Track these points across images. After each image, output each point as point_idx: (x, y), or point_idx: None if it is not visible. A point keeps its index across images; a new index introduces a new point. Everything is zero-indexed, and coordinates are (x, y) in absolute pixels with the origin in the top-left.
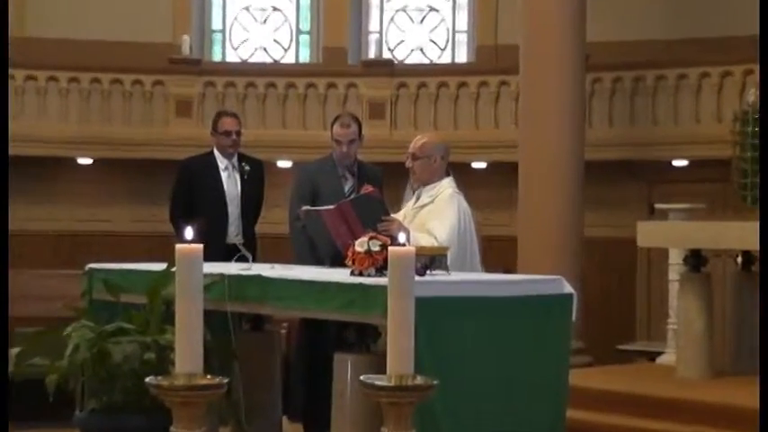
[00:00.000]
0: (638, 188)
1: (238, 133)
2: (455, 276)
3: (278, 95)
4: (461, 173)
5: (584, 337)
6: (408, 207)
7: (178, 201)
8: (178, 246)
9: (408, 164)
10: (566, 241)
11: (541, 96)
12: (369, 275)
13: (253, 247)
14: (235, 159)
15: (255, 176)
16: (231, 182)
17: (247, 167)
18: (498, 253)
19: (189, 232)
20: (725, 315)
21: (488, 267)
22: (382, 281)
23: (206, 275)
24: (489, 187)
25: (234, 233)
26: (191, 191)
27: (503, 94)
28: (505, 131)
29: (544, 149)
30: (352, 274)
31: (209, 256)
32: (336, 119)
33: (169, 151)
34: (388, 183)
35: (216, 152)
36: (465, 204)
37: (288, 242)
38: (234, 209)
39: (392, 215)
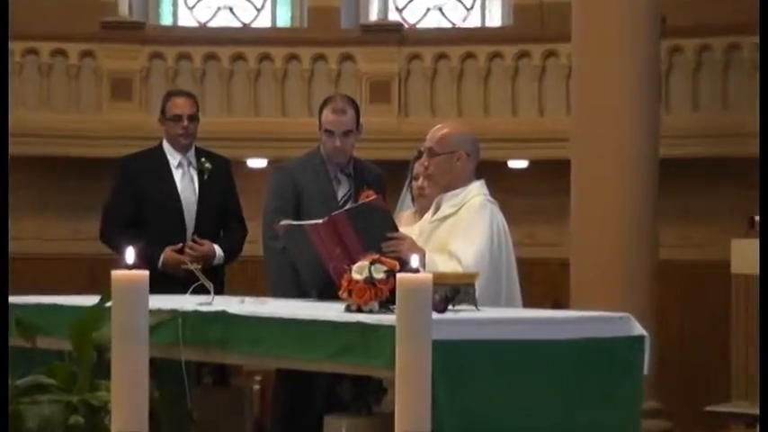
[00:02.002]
0: (732, 194)
1: (192, 118)
2: (486, 313)
3: (248, 71)
4: (495, 175)
5: (662, 394)
6: (425, 220)
7: (113, 213)
8: (115, 273)
9: (423, 162)
10: (635, 266)
11: (601, 72)
12: (370, 311)
13: (218, 275)
14: (191, 154)
15: (220, 175)
16: (187, 183)
17: (208, 165)
18: (545, 281)
19: (130, 253)
20: None
21: (531, 300)
22: (388, 319)
23: (153, 312)
24: (532, 194)
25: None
26: (135, 200)
27: (550, 68)
28: (553, 120)
29: (605, 144)
30: (348, 309)
31: (159, 285)
32: (326, 102)
33: (102, 146)
34: (395, 188)
35: (165, 145)
36: (500, 217)
37: (262, 267)
38: (191, 219)
39: (402, 230)
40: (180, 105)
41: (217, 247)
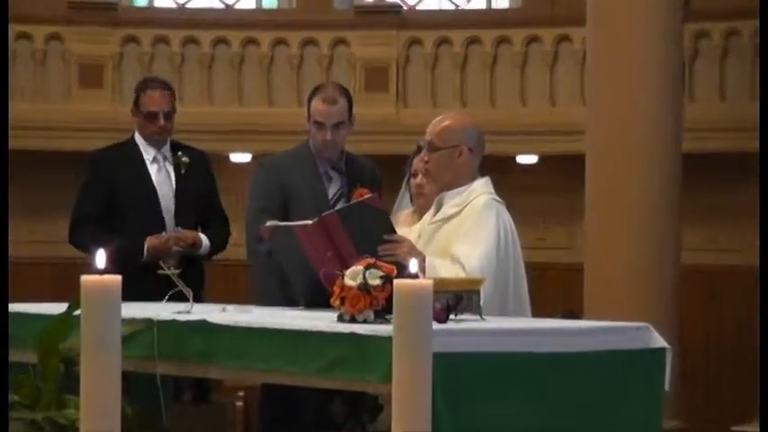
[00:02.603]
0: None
1: (169, 115)
2: (492, 323)
3: (231, 57)
4: (502, 171)
5: (685, 412)
6: (425, 221)
7: (83, 213)
8: (84, 278)
9: (422, 157)
10: (655, 271)
11: (619, 59)
12: (365, 321)
13: (198, 277)
14: (166, 148)
15: (198, 169)
16: (163, 179)
17: (185, 158)
18: (556, 288)
19: (101, 255)
20: None
21: (541, 309)
22: (384, 330)
23: (126, 321)
24: (543, 192)
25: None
26: (108, 198)
27: (562, 54)
28: (566, 111)
29: (623, 137)
30: (341, 319)
31: (133, 290)
32: (316, 91)
33: (71, 138)
34: (392, 185)
35: (138, 138)
36: (507, 217)
37: (245, 271)
38: (170, 217)
39: (399, 232)
40: (156, 102)
41: (203, 236)
